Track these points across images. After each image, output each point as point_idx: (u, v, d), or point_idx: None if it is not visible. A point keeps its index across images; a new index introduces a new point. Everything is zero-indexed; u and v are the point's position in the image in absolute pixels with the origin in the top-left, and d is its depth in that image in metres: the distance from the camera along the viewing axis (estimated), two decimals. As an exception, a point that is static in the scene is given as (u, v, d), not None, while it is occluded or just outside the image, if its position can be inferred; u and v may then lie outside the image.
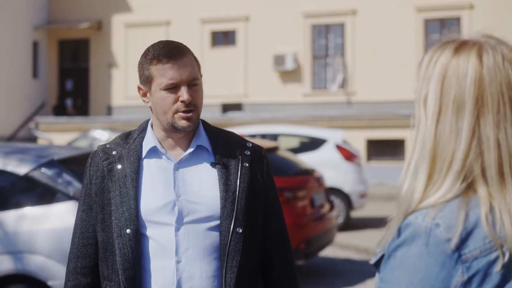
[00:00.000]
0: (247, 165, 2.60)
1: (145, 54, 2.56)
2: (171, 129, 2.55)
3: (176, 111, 2.51)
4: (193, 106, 2.52)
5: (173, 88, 2.51)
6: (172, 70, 2.50)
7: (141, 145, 2.61)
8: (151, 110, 2.59)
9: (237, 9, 25.52)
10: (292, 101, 24.91)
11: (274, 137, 13.87)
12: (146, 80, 2.55)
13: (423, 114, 1.55)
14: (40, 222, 5.78)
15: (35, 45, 27.08)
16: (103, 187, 2.58)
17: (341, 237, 11.82)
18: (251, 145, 2.67)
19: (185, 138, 2.60)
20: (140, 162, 2.58)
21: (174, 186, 2.54)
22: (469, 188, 1.50)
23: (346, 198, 13.12)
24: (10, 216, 5.87)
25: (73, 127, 24.06)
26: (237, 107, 25.57)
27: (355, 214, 14.62)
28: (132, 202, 2.51)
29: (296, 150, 13.25)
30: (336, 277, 9.46)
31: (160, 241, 2.52)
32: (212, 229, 2.54)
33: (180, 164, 2.57)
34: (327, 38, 25.07)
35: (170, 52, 2.51)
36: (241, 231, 2.53)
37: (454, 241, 1.45)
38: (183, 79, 2.50)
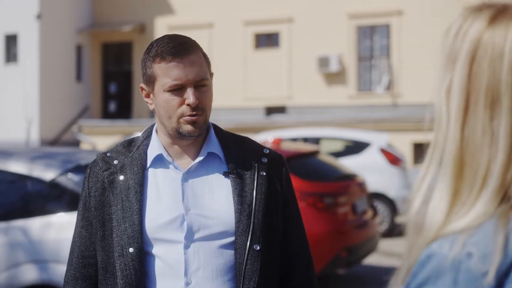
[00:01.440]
0: (264, 174, 2.31)
1: (148, 50, 2.27)
2: (176, 135, 2.27)
3: (182, 116, 2.23)
4: (200, 110, 2.23)
5: (178, 89, 2.22)
6: (177, 69, 2.21)
7: (145, 153, 2.33)
8: (155, 113, 2.31)
9: (280, 11, 25.27)
10: (336, 103, 24.58)
11: (316, 140, 13.58)
12: (149, 80, 2.27)
13: (445, 109, 1.16)
14: (67, 229, 5.55)
15: (78, 48, 27.21)
16: (104, 201, 2.30)
17: (385, 244, 11.48)
18: (268, 151, 2.37)
19: (194, 145, 2.31)
20: (144, 172, 2.30)
21: (183, 199, 2.26)
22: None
23: (390, 204, 12.79)
24: (36, 223, 5.67)
25: (116, 130, 24.05)
26: (281, 110, 25.32)
27: (400, 220, 14.25)
28: (136, 218, 2.23)
29: (339, 154, 12.97)
30: (379, 286, 9.14)
31: (167, 260, 2.23)
32: (226, 246, 2.25)
33: (189, 174, 2.29)
34: (372, 39, 24.70)
35: (175, 48, 2.22)
36: (258, 248, 2.24)
37: (491, 274, 1.07)
38: (189, 79, 2.21)
